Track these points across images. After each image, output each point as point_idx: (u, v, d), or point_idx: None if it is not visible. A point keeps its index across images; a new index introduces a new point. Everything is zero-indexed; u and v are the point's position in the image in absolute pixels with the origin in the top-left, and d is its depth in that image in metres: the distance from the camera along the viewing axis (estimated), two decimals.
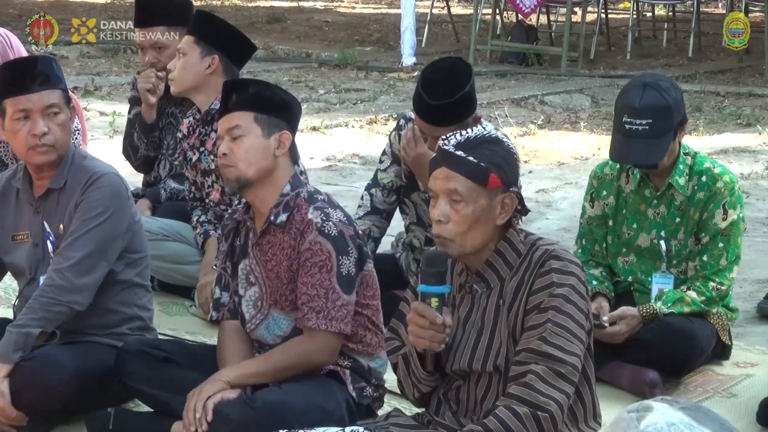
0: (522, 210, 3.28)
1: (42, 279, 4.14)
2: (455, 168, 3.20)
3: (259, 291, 3.90)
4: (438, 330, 3.19)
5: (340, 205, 3.92)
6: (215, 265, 5.11)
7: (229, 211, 4.14)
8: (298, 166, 5.10)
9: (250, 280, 3.93)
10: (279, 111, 3.89)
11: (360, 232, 3.89)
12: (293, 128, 3.95)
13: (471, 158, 3.19)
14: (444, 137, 3.27)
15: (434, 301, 3.19)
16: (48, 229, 4.16)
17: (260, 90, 3.91)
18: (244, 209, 3.97)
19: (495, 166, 3.20)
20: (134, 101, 5.96)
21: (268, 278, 3.87)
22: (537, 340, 3.12)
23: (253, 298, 3.92)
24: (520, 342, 3.17)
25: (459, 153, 3.20)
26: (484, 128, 3.30)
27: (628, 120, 4.52)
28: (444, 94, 4.60)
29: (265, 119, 3.85)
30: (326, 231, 3.76)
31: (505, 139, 3.29)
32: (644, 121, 4.49)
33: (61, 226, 4.13)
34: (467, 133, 3.25)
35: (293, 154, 3.94)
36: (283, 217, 3.83)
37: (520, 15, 13.76)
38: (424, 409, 3.44)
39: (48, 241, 4.17)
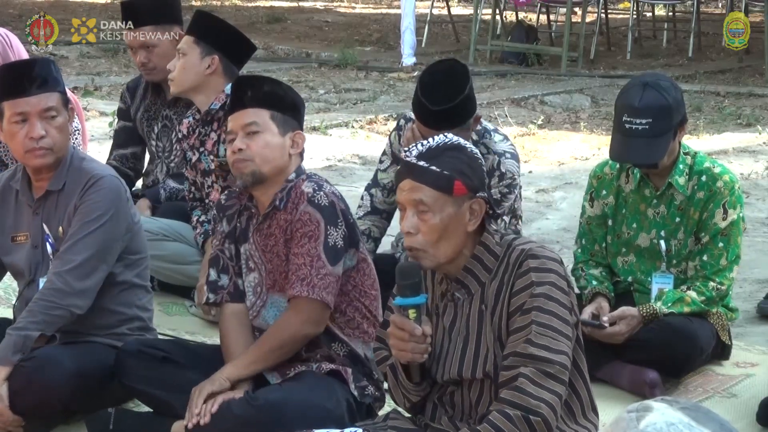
0: (493, 214, 3.28)
1: (41, 281, 4.14)
2: (419, 178, 3.19)
3: (258, 276, 3.93)
4: (419, 341, 3.19)
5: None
6: None
7: (227, 191, 4.13)
8: None
9: (249, 266, 3.95)
10: (291, 110, 3.93)
11: (351, 211, 3.92)
12: (302, 129, 3.99)
13: (434, 167, 3.18)
14: (406, 148, 3.27)
15: (412, 313, 3.19)
16: (47, 232, 4.16)
17: (275, 88, 3.95)
18: (247, 195, 3.98)
19: (459, 173, 3.18)
20: (121, 113, 5.98)
21: (268, 261, 3.89)
22: (523, 343, 3.11)
23: (253, 285, 3.95)
24: (506, 346, 3.16)
25: (421, 163, 3.19)
26: (446, 135, 3.27)
27: (628, 119, 4.52)
28: (444, 98, 4.59)
29: (280, 117, 3.89)
30: (316, 201, 3.80)
31: (468, 145, 3.26)
32: (644, 121, 4.49)
33: (60, 229, 4.13)
34: (429, 142, 3.23)
35: (301, 154, 3.98)
36: (285, 200, 3.87)
37: (516, 7, 13.76)
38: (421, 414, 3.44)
39: (47, 243, 4.17)
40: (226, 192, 4.16)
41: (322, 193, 3.80)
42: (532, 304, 3.13)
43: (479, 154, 3.29)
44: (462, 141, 3.26)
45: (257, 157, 3.85)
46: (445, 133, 3.29)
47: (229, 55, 5.24)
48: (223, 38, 5.25)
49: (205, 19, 5.38)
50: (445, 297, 3.31)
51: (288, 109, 3.92)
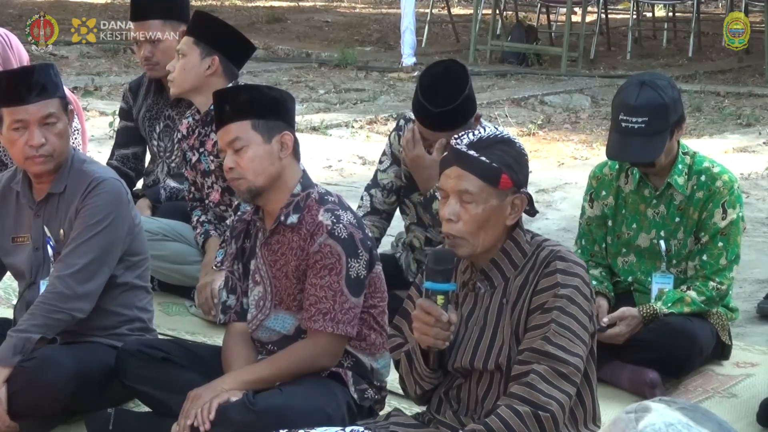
0: (530, 211, 3.29)
1: (42, 283, 4.14)
2: (467, 167, 3.20)
3: (263, 291, 3.90)
4: (443, 327, 3.20)
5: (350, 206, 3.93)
6: (215, 266, 5.12)
7: (238, 214, 4.13)
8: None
9: (255, 279, 3.93)
10: (274, 112, 3.86)
11: (369, 234, 3.89)
12: (291, 124, 3.92)
13: (483, 158, 3.19)
14: (456, 136, 3.27)
15: (440, 299, 3.19)
16: (48, 234, 4.16)
17: (251, 95, 3.87)
18: (253, 210, 3.97)
19: (506, 167, 3.21)
20: (122, 113, 5.98)
21: (275, 278, 3.87)
22: (540, 340, 3.13)
23: (256, 298, 3.92)
24: (523, 341, 3.18)
25: (471, 153, 3.20)
26: (496, 128, 3.31)
27: (625, 118, 4.52)
28: (445, 99, 4.59)
29: (263, 124, 3.82)
30: (336, 233, 3.75)
31: (516, 140, 3.29)
32: (640, 119, 4.49)
33: (62, 231, 4.13)
34: (480, 132, 3.25)
35: (297, 152, 3.92)
36: (293, 218, 3.82)
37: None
38: (424, 408, 3.44)
39: (48, 246, 4.16)
40: (238, 214, 4.14)
41: (341, 225, 3.76)
42: (554, 304, 3.15)
43: (526, 150, 3.31)
44: (512, 136, 3.29)
45: (248, 172, 3.80)
46: (496, 126, 3.31)
47: (228, 55, 5.24)
48: (223, 39, 5.25)
49: (204, 19, 5.38)
50: (466, 286, 3.32)
51: (270, 112, 3.84)
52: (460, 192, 3.21)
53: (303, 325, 3.81)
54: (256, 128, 3.81)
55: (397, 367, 3.48)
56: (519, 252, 3.26)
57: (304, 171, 3.93)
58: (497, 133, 3.26)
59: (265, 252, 3.89)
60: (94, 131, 8.98)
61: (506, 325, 3.23)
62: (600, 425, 3.33)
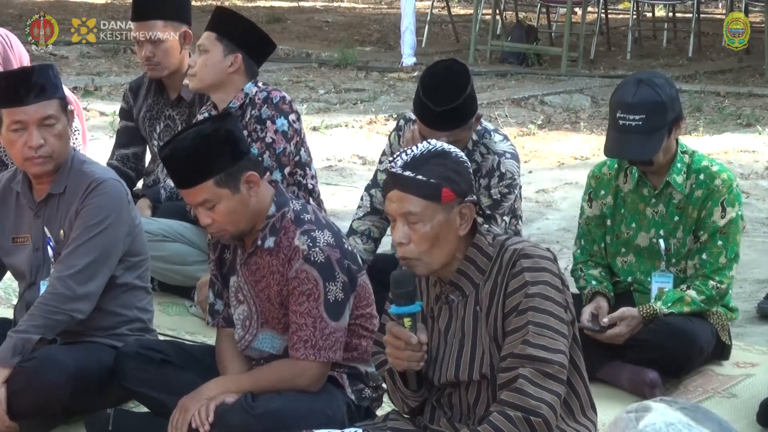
0: (483, 215, 3.27)
1: (42, 283, 4.15)
2: (406, 189, 3.18)
3: (248, 310, 3.88)
4: (414, 349, 3.20)
5: (328, 219, 3.88)
6: None
7: None
8: (310, 169, 5.10)
9: (239, 298, 3.90)
10: (229, 157, 3.70)
11: (350, 249, 3.81)
12: (245, 150, 3.76)
13: (420, 176, 3.16)
14: (390, 158, 3.25)
15: (407, 321, 3.20)
16: (48, 234, 4.16)
17: (206, 152, 3.68)
18: None
19: (446, 180, 3.17)
20: (123, 113, 5.98)
21: (258, 299, 3.85)
22: (521, 344, 3.12)
23: (242, 318, 3.90)
24: (503, 347, 3.17)
25: (407, 173, 3.17)
26: (430, 142, 3.25)
27: (622, 115, 4.52)
28: (447, 98, 4.58)
29: (225, 177, 3.68)
30: (312, 258, 3.70)
31: (452, 150, 3.25)
32: (638, 117, 4.48)
33: (62, 232, 4.13)
34: (413, 151, 3.21)
35: (262, 171, 3.81)
36: (270, 242, 3.77)
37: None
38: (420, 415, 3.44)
39: (48, 246, 4.16)
40: None
41: (317, 249, 3.70)
42: (528, 304, 3.13)
43: (464, 157, 3.26)
44: (446, 146, 3.25)
45: (227, 225, 3.73)
46: (429, 140, 3.28)
47: (251, 53, 5.19)
48: (246, 36, 5.19)
49: (228, 16, 5.32)
50: (439, 300, 3.31)
51: (227, 160, 3.68)
52: (405, 214, 3.18)
53: (289, 353, 3.79)
54: (220, 184, 3.69)
55: (384, 382, 3.48)
56: (483, 257, 3.24)
57: (276, 183, 3.87)
58: (431, 147, 3.22)
59: (245, 272, 3.86)
60: (94, 131, 8.99)
61: (484, 333, 3.22)
62: (596, 411, 3.32)
